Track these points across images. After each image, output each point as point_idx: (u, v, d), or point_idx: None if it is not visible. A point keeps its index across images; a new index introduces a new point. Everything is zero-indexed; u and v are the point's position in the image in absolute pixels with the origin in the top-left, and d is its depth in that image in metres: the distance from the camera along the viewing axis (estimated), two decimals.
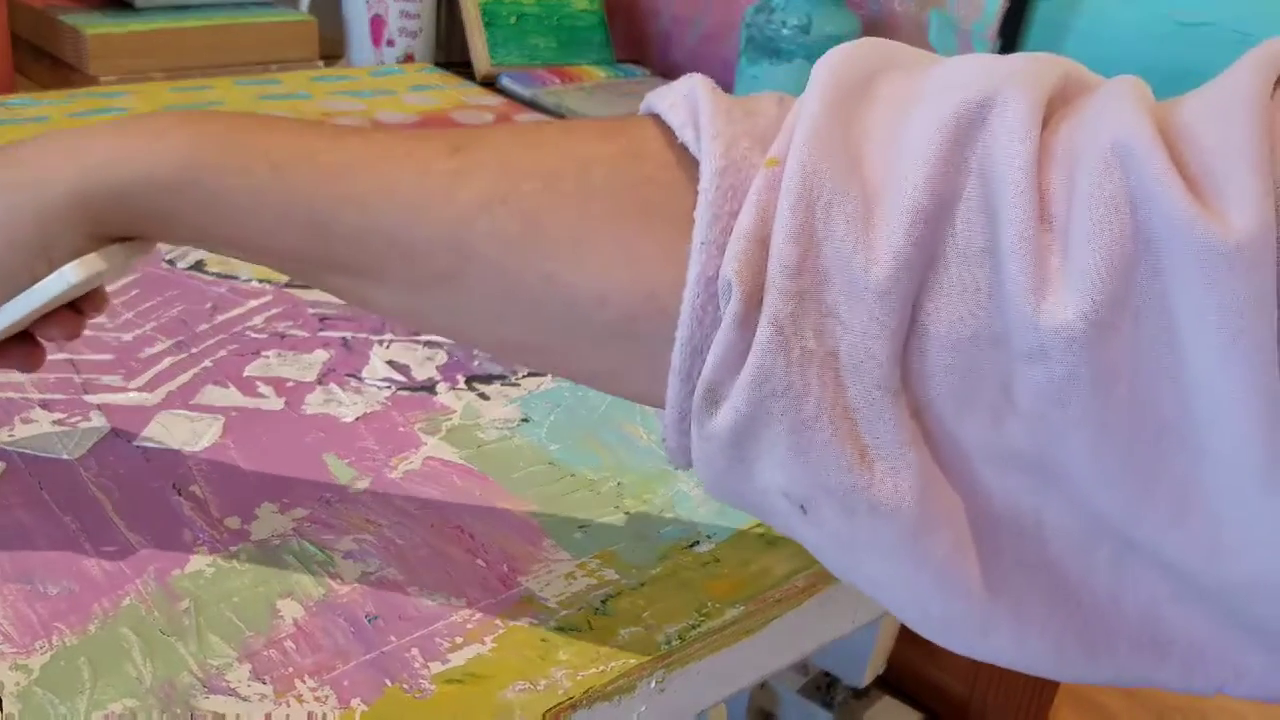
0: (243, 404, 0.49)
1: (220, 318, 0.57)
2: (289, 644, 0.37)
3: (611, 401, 0.52)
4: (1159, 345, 0.25)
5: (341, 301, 0.59)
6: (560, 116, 0.95)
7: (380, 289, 0.33)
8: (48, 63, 0.99)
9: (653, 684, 0.37)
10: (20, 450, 0.45)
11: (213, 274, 0.61)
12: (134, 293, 0.59)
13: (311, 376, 0.52)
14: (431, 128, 0.76)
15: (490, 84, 1.03)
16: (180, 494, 0.43)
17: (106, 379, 0.50)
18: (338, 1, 1.09)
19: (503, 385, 0.53)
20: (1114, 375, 0.25)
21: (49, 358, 0.50)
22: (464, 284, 0.32)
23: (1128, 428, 0.26)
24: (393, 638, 0.37)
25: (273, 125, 0.33)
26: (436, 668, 0.36)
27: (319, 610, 0.38)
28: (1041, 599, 0.29)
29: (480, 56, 1.04)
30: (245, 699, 0.34)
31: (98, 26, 0.93)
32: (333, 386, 0.51)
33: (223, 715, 0.34)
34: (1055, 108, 0.27)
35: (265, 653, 0.36)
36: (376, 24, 1.06)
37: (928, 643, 0.31)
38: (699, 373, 0.29)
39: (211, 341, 0.54)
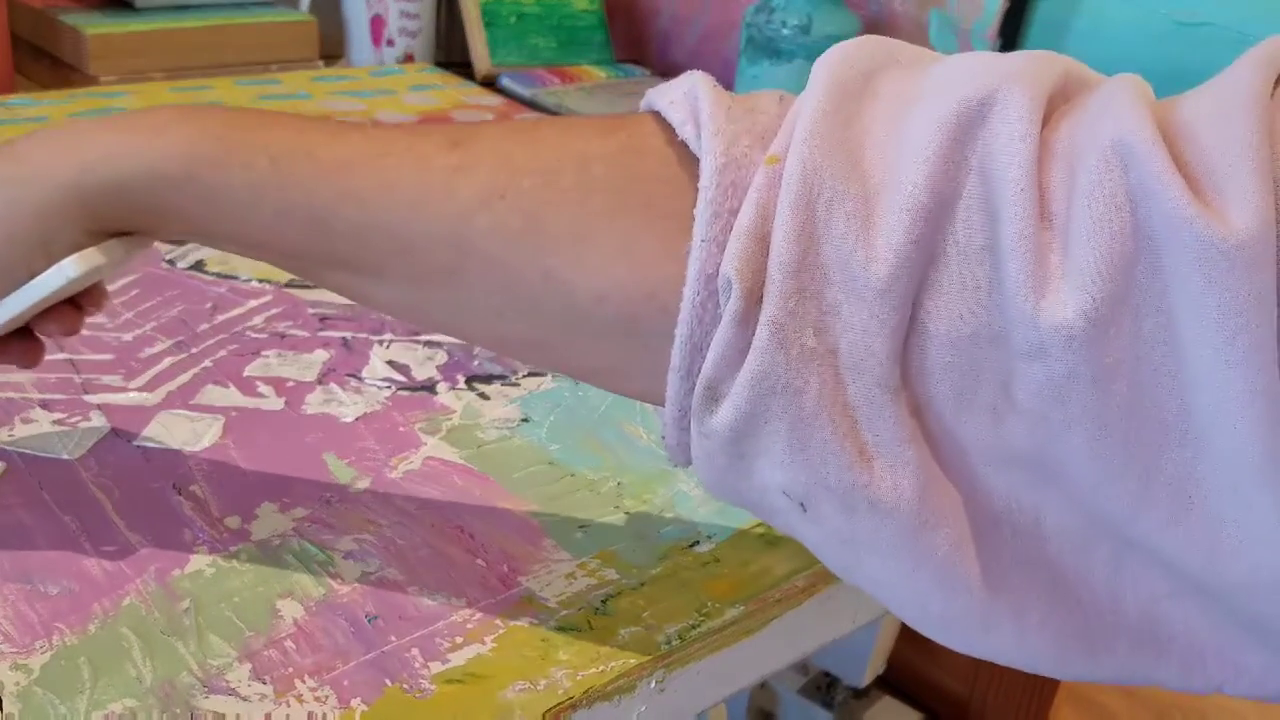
0: (243, 404, 0.49)
1: (220, 318, 0.57)
2: (289, 644, 0.37)
3: (612, 401, 0.52)
4: (1158, 344, 0.25)
5: (341, 301, 0.59)
6: None
7: (380, 285, 0.33)
8: (48, 63, 0.99)
9: (653, 684, 0.37)
10: (20, 450, 0.45)
11: (213, 274, 0.61)
12: (134, 293, 0.59)
13: (311, 376, 0.52)
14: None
15: (490, 84, 1.03)
16: (180, 494, 0.43)
17: (106, 379, 0.50)
18: (338, 1, 1.09)
19: (503, 385, 0.53)
20: (1113, 373, 0.25)
21: (49, 358, 0.51)
22: (464, 280, 0.32)
23: (1127, 426, 0.26)
24: (393, 638, 0.37)
25: (272, 121, 0.33)
26: (436, 668, 0.36)
27: (319, 610, 0.38)
28: (1041, 596, 0.29)
29: (480, 56, 1.04)
30: (245, 699, 0.34)
31: (98, 26, 0.93)
32: (333, 386, 0.51)
33: (223, 715, 0.34)
34: (1055, 106, 0.27)
35: (265, 653, 0.36)
36: (376, 24, 1.06)
37: (928, 642, 0.31)
38: (699, 370, 0.29)
39: (211, 341, 0.54)
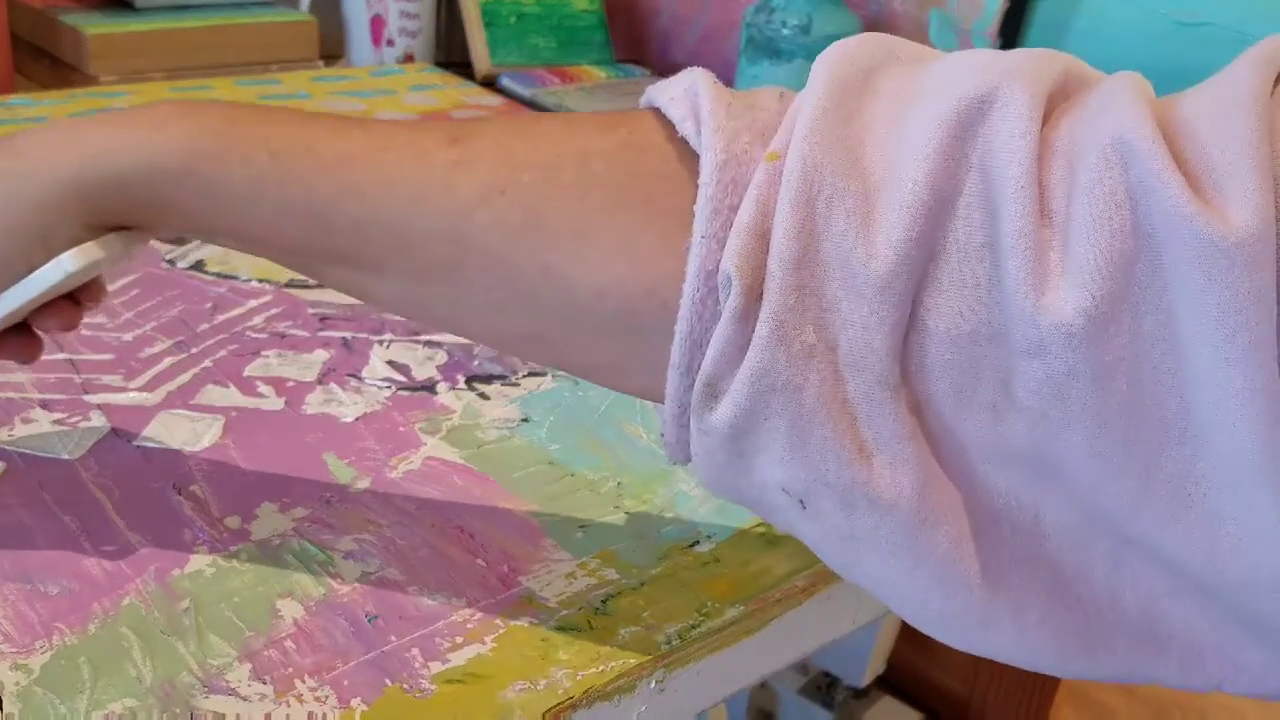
0: (243, 404, 0.49)
1: (220, 318, 0.57)
2: (289, 644, 0.37)
3: (611, 401, 0.52)
4: (1158, 341, 0.25)
5: (342, 301, 0.59)
6: None
7: (380, 280, 0.33)
8: (48, 63, 0.99)
9: (653, 684, 0.37)
10: (20, 450, 0.45)
11: (213, 274, 0.61)
12: (134, 293, 0.59)
13: (311, 376, 0.52)
14: None
15: (490, 84, 1.03)
16: (180, 494, 0.43)
17: (106, 379, 0.50)
18: (338, 1, 1.09)
19: (503, 385, 0.53)
20: (1113, 371, 0.25)
21: (50, 357, 0.51)
22: (463, 275, 0.32)
23: (1126, 424, 0.26)
24: (393, 637, 0.37)
25: (273, 116, 0.33)
26: (436, 667, 0.36)
27: (319, 610, 0.38)
28: (1040, 594, 0.29)
29: (480, 56, 1.04)
30: (245, 699, 0.34)
31: (98, 26, 0.93)
32: (333, 386, 0.51)
33: (223, 715, 0.34)
34: (1055, 103, 0.27)
35: (265, 652, 0.36)
36: (376, 24, 1.06)
37: (928, 642, 0.31)
38: (698, 367, 0.29)
39: (211, 341, 0.54)
